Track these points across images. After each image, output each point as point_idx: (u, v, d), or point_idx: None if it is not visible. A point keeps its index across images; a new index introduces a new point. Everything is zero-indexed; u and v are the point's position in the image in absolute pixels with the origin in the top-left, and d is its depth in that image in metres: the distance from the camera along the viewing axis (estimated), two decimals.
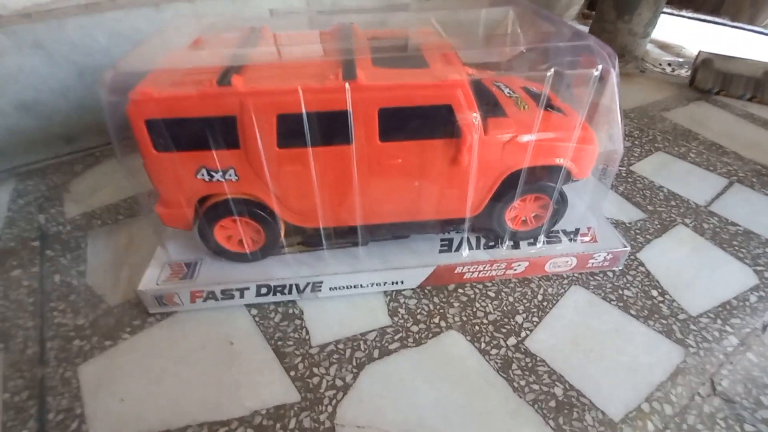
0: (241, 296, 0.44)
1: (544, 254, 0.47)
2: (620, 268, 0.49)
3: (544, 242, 0.48)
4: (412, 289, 0.47)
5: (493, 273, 0.47)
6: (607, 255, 0.48)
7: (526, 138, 0.41)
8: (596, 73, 0.37)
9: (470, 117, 0.38)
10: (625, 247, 0.48)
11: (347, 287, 0.45)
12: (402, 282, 0.46)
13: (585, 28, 1.21)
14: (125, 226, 0.57)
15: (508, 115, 0.43)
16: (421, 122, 0.38)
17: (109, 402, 0.38)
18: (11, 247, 0.54)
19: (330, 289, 0.45)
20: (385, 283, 0.46)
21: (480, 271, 0.46)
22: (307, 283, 0.44)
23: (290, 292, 0.45)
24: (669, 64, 1.09)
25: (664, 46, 1.20)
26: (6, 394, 0.38)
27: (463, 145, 0.39)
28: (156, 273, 0.44)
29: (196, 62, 0.40)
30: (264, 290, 0.44)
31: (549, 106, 0.44)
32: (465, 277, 0.47)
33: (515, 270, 0.47)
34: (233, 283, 0.43)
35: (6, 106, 0.64)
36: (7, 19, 0.60)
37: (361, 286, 0.46)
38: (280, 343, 0.42)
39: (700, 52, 0.92)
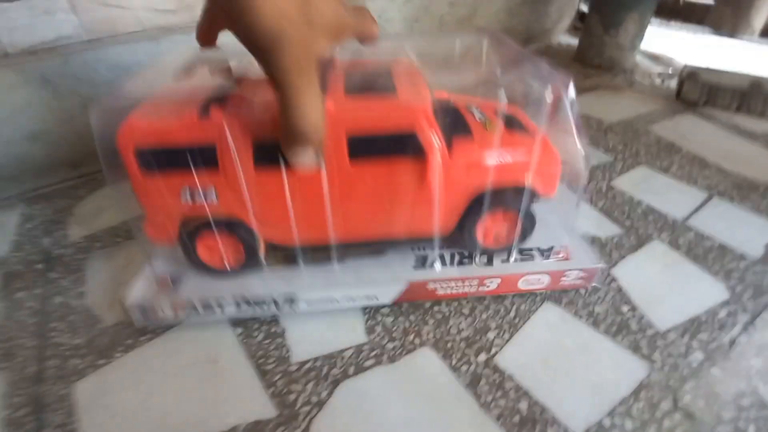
0: (221, 310, 0.47)
1: (516, 271, 0.48)
2: (594, 285, 0.51)
3: (517, 259, 0.50)
4: (390, 306, 0.49)
5: (466, 290, 0.49)
6: (580, 273, 0.49)
7: (488, 158, 0.43)
8: (548, 99, 0.39)
9: (433, 140, 0.40)
10: (598, 264, 0.49)
11: (323, 301, 0.48)
12: (377, 297, 0.48)
13: (575, 41, 1.23)
14: (124, 249, 0.60)
15: (474, 136, 0.45)
16: (387, 146, 0.41)
17: (101, 418, 0.40)
18: (17, 270, 0.57)
19: (306, 303, 0.47)
20: (359, 298, 0.48)
21: (452, 288, 0.48)
22: (285, 298, 0.47)
23: (268, 306, 0.47)
24: (659, 75, 1.10)
25: (654, 57, 1.22)
26: (7, 410, 0.41)
27: (427, 168, 0.41)
28: (141, 287, 0.47)
29: (183, 94, 0.44)
30: (242, 304, 0.47)
31: (515, 125, 0.47)
32: (438, 293, 0.48)
33: (488, 287, 0.49)
34: (212, 297, 0.46)
35: (16, 136, 0.68)
36: (15, 57, 0.65)
37: (337, 300, 0.48)
38: (261, 360, 0.44)
39: (685, 65, 0.94)
